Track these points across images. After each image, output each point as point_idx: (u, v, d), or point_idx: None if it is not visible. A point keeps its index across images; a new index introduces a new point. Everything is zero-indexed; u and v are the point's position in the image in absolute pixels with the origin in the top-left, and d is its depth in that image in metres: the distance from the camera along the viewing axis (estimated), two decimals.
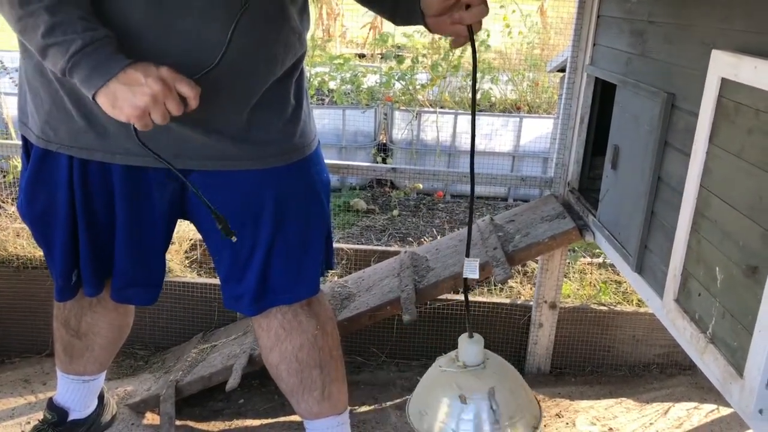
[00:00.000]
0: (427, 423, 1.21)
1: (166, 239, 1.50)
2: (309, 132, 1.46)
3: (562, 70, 2.53)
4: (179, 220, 1.52)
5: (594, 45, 2.04)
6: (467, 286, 1.33)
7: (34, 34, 1.09)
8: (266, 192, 1.39)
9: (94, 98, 1.12)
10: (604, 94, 2.08)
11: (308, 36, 1.47)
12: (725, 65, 1.17)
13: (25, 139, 1.40)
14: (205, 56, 1.18)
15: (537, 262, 2.37)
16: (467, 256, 1.27)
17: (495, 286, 2.54)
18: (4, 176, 3.00)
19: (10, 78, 3.43)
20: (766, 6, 1.12)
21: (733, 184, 1.15)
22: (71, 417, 1.72)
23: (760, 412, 1.05)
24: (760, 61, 1.06)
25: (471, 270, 1.26)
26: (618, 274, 2.59)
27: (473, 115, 1.25)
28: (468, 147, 4.47)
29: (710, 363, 1.20)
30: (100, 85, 1.10)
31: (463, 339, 1.27)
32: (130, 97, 1.10)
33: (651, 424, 2.10)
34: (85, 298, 1.52)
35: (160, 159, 1.21)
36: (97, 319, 1.60)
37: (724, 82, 1.18)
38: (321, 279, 1.55)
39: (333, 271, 2.53)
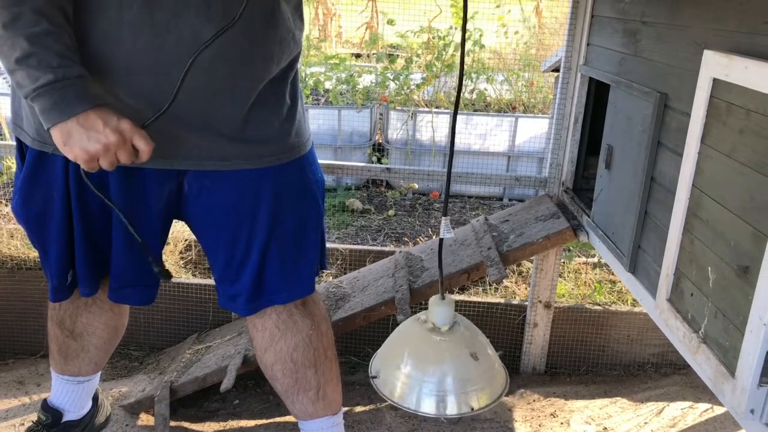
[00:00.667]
0: (451, 396, 1.17)
1: (162, 239, 1.50)
2: (304, 131, 1.46)
3: (557, 70, 2.54)
4: (174, 221, 1.52)
5: (588, 45, 2.05)
6: (442, 247, 1.30)
7: (9, 54, 1.11)
8: (262, 191, 1.39)
9: (48, 130, 1.14)
10: (598, 94, 2.08)
11: (304, 36, 1.48)
12: (717, 65, 1.17)
13: (19, 141, 1.40)
14: (199, 57, 1.18)
15: (532, 262, 2.38)
16: (444, 215, 1.23)
17: (490, 286, 2.54)
18: None
19: (3, 78, 3.42)
20: (756, 7, 1.12)
21: (725, 184, 1.15)
22: (66, 418, 1.72)
23: (752, 411, 1.05)
24: (751, 62, 1.06)
25: (447, 230, 1.23)
26: (613, 274, 2.59)
27: (460, 78, 1.25)
28: (464, 147, 4.46)
29: (702, 363, 1.20)
30: (58, 121, 1.12)
31: (435, 301, 1.23)
32: (83, 141, 1.12)
33: (646, 423, 2.10)
34: (81, 298, 1.52)
35: (106, 200, 1.29)
36: (92, 319, 1.60)
37: (716, 83, 1.18)
38: (315, 278, 1.56)
39: (328, 272, 2.53)
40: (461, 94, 1.24)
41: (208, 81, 1.21)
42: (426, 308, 2.31)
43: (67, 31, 1.14)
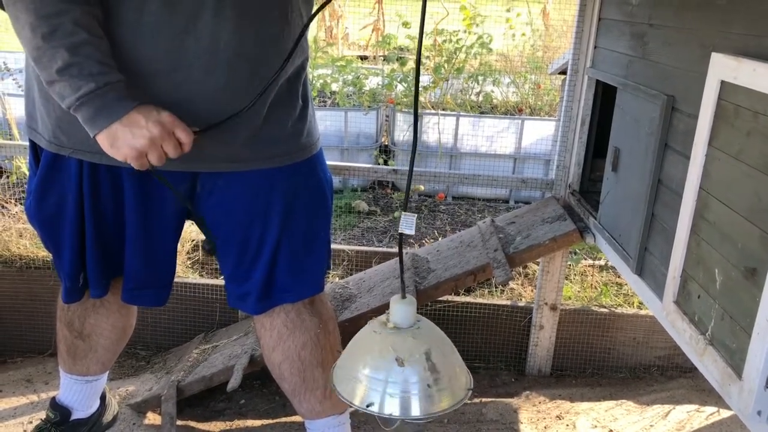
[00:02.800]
0: (360, 391, 1.08)
1: (176, 239, 1.51)
2: (314, 131, 1.48)
3: (564, 72, 2.54)
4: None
5: (595, 48, 2.05)
6: (402, 241, 1.21)
7: (49, 65, 1.12)
8: (274, 191, 1.40)
9: (95, 137, 1.16)
10: (605, 97, 2.09)
11: (311, 38, 1.49)
12: (725, 68, 1.17)
13: (33, 143, 1.41)
14: (218, 57, 1.20)
15: (538, 264, 2.38)
16: (404, 210, 1.13)
17: (496, 287, 2.54)
18: (8, 177, 3.01)
19: (13, 79, 3.45)
20: (764, 10, 1.13)
21: (732, 187, 1.15)
22: (74, 416, 1.73)
23: (759, 413, 1.05)
24: (759, 64, 1.07)
25: (408, 225, 1.14)
26: (619, 277, 2.59)
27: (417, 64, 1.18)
28: (470, 149, 4.44)
29: (709, 365, 1.20)
30: (104, 127, 1.15)
31: (395, 300, 1.13)
32: (129, 139, 1.15)
33: (651, 426, 2.10)
34: (89, 300, 1.53)
35: (172, 189, 1.29)
36: (100, 320, 1.61)
37: (724, 85, 1.18)
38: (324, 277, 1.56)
39: (334, 272, 2.54)
40: (418, 93, 1.18)
41: (229, 82, 1.23)
42: (429, 310, 2.33)
43: (103, 38, 1.17)
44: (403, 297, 1.13)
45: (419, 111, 4.50)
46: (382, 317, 1.14)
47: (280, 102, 1.36)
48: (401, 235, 1.18)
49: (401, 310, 1.11)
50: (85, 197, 1.37)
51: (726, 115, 1.18)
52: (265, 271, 1.44)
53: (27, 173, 2.80)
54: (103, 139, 1.17)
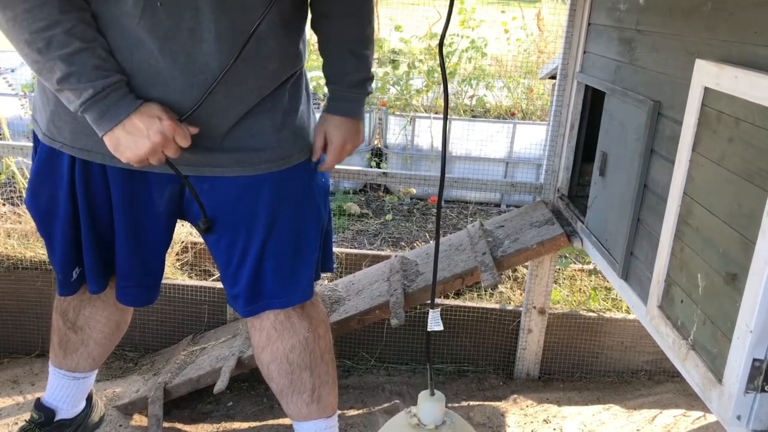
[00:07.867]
0: None
1: (167, 240, 1.52)
2: (306, 137, 1.47)
3: (554, 77, 2.55)
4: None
5: (584, 53, 2.06)
6: (430, 340, 1.27)
7: (50, 77, 1.17)
8: (259, 197, 1.40)
9: (102, 137, 1.22)
10: (594, 102, 2.10)
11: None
12: (708, 74, 1.18)
13: (34, 133, 1.45)
14: (195, 78, 1.23)
15: (527, 268, 2.38)
16: (432, 307, 1.22)
17: (485, 291, 2.55)
18: None
19: (3, 78, 3.44)
20: (747, 17, 1.13)
21: (714, 192, 1.16)
22: (58, 417, 1.73)
23: (738, 418, 1.06)
24: (740, 71, 1.08)
25: (436, 322, 1.23)
26: (607, 281, 2.60)
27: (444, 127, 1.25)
28: (462, 153, 4.44)
29: (691, 369, 1.21)
30: (108, 130, 1.20)
31: (425, 397, 1.16)
32: (131, 146, 1.21)
33: (638, 430, 2.11)
34: (87, 293, 1.54)
35: (178, 172, 1.31)
36: (95, 313, 1.61)
37: (707, 91, 1.19)
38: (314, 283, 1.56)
39: (323, 275, 2.54)
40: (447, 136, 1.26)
41: (206, 102, 1.24)
42: (418, 313, 2.33)
43: (99, 42, 1.20)
44: (432, 393, 1.17)
45: (411, 114, 4.48)
46: (412, 410, 1.19)
47: (260, 111, 1.35)
48: (428, 334, 1.25)
49: (430, 409, 1.16)
50: (78, 193, 1.38)
51: (709, 121, 1.19)
52: (251, 277, 1.45)
53: (16, 172, 2.80)
54: (107, 141, 1.22)
